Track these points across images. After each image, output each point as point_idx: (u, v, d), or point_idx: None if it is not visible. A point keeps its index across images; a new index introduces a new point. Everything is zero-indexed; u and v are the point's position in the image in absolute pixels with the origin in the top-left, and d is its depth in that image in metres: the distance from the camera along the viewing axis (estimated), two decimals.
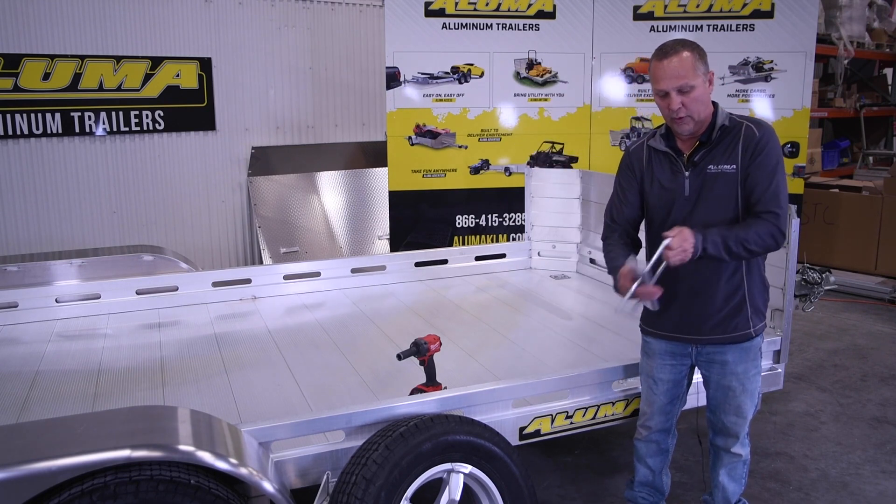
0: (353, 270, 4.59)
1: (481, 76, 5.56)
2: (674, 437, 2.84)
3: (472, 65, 5.54)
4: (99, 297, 4.01)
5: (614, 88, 5.68)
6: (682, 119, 2.45)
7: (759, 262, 2.57)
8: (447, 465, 2.31)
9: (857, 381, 4.54)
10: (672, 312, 2.60)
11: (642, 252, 2.73)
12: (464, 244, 5.68)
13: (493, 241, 5.73)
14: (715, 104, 2.53)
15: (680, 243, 2.34)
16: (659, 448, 2.80)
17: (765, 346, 3.17)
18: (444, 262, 4.83)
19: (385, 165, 5.71)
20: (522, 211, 5.13)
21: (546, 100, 5.67)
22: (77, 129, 5.75)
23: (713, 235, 2.39)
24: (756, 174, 2.44)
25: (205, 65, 6.11)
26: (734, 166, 2.46)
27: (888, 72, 10.17)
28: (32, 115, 5.58)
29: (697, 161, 2.51)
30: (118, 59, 5.78)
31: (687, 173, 2.52)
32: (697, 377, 2.76)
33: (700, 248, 2.36)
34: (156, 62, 5.92)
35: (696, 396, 2.88)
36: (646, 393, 2.76)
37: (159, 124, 6.02)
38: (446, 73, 5.51)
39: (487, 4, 5.47)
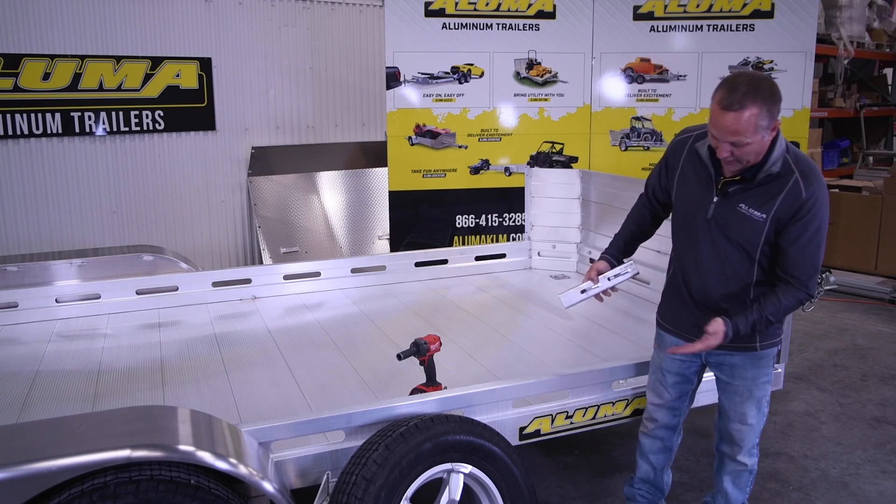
0: (353, 270, 4.59)
1: (481, 76, 5.57)
2: (679, 436, 2.82)
3: (472, 65, 5.54)
4: (99, 297, 4.02)
5: (614, 88, 5.68)
6: (729, 163, 2.34)
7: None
8: (447, 465, 2.31)
9: (857, 381, 4.54)
10: (683, 315, 2.60)
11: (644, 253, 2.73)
12: (464, 244, 5.68)
13: (493, 241, 5.72)
14: (776, 140, 2.32)
15: (711, 343, 2.40)
16: (663, 445, 2.79)
17: None
18: (444, 262, 4.83)
19: (385, 165, 5.70)
20: (522, 211, 5.14)
21: (546, 100, 5.67)
22: (77, 129, 5.75)
23: (743, 324, 2.38)
24: (793, 237, 2.33)
25: (205, 65, 6.11)
26: (765, 216, 2.33)
27: (888, 72, 10.17)
28: (32, 115, 5.58)
29: (731, 193, 2.39)
30: (118, 59, 5.78)
31: (715, 199, 2.43)
32: (709, 375, 2.74)
33: (731, 335, 2.39)
34: (156, 62, 5.92)
35: (702, 395, 2.88)
36: (654, 385, 2.75)
37: (159, 124, 6.02)
38: (446, 73, 5.51)
39: (487, 4, 5.47)
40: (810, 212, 2.32)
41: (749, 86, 2.20)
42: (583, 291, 2.73)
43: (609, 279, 2.72)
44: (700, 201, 2.47)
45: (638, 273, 2.73)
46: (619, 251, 2.82)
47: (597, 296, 2.75)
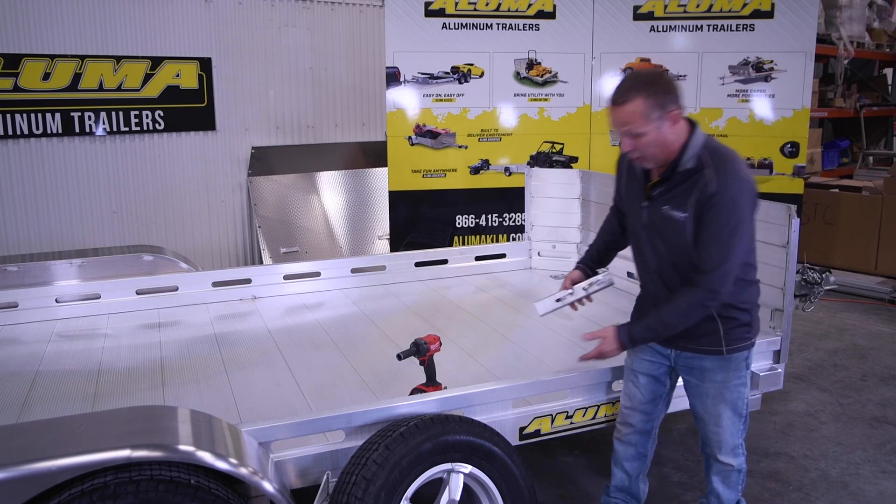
0: (353, 270, 4.59)
1: (481, 76, 5.57)
2: (653, 443, 2.81)
3: (472, 65, 5.54)
4: (99, 297, 4.02)
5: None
6: (638, 159, 2.42)
7: (734, 287, 2.42)
8: (447, 465, 2.31)
9: (857, 381, 4.54)
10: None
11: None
12: (464, 244, 5.68)
13: (493, 241, 5.73)
14: (692, 131, 2.36)
15: (604, 348, 2.51)
16: (637, 452, 2.78)
17: (765, 346, 3.18)
18: (444, 262, 4.83)
19: (385, 165, 5.71)
20: (522, 211, 5.14)
21: (546, 100, 5.67)
22: (77, 129, 5.75)
23: (639, 328, 2.47)
24: (702, 231, 2.32)
25: (205, 65, 6.11)
26: (685, 216, 2.34)
27: (888, 72, 10.17)
28: (32, 115, 5.58)
29: (655, 196, 2.45)
30: (118, 59, 5.78)
31: (644, 204, 2.49)
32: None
33: (628, 341, 2.48)
34: (156, 62, 5.92)
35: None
36: (627, 388, 2.75)
37: (159, 124, 6.02)
38: (446, 73, 5.51)
39: (487, 4, 5.47)
40: (718, 204, 2.28)
41: (633, 80, 2.35)
42: (557, 300, 2.79)
43: (584, 289, 2.76)
44: (637, 209, 2.54)
45: (613, 283, 2.77)
46: (594, 261, 2.90)
47: (571, 305, 2.80)
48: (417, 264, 4.75)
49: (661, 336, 2.48)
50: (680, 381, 2.76)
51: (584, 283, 2.77)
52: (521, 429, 2.74)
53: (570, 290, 2.78)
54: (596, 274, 2.84)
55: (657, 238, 2.48)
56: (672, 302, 2.41)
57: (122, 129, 5.89)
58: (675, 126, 2.33)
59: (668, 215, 2.40)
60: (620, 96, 2.32)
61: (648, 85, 2.30)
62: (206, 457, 1.95)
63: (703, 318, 2.45)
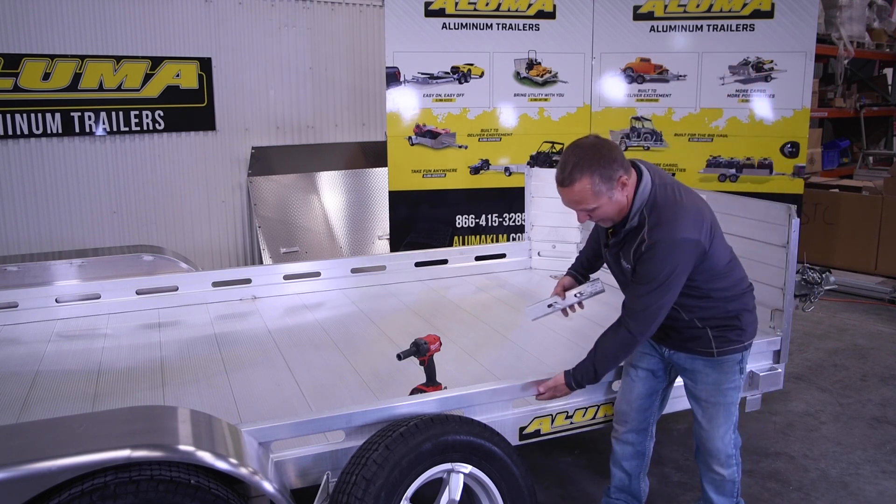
0: (353, 270, 4.59)
1: (481, 76, 5.57)
2: (651, 440, 2.83)
3: (472, 65, 5.54)
4: (99, 297, 4.02)
5: (614, 88, 5.68)
6: (596, 222, 2.53)
7: (713, 304, 2.49)
8: (447, 465, 2.31)
9: (857, 381, 4.54)
10: None
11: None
12: (464, 244, 5.68)
13: (493, 241, 5.73)
14: (640, 182, 2.39)
15: (557, 394, 2.62)
16: (635, 451, 2.80)
17: (765, 346, 3.19)
18: (444, 262, 4.83)
19: (385, 165, 5.71)
20: (522, 211, 5.14)
21: (546, 100, 5.67)
22: (77, 129, 5.75)
23: (580, 373, 2.55)
24: (634, 277, 2.44)
25: (205, 65, 6.11)
26: (629, 266, 2.46)
27: (888, 72, 10.17)
28: (32, 115, 5.58)
29: (611, 245, 2.55)
30: (118, 59, 5.78)
31: (605, 249, 2.61)
32: (679, 382, 2.79)
33: (573, 384, 2.58)
34: (156, 62, 5.92)
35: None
36: (625, 381, 2.78)
37: (159, 124, 6.02)
38: (446, 73, 5.51)
39: (487, 4, 5.47)
40: (648, 260, 2.36)
41: (575, 158, 2.34)
42: (549, 306, 2.84)
43: (575, 295, 2.82)
44: (604, 249, 2.65)
45: (603, 290, 2.80)
46: (584, 267, 2.96)
47: (563, 310, 2.85)
48: (417, 264, 4.75)
49: (602, 374, 2.57)
50: (679, 382, 2.78)
51: (576, 290, 2.82)
52: (521, 429, 2.74)
53: (561, 297, 2.83)
54: (588, 280, 2.89)
55: (620, 279, 2.60)
56: (601, 342, 2.52)
57: (122, 129, 5.89)
58: (625, 189, 2.38)
59: (619, 262, 2.51)
60: (566, 177, 2.34)
61: (592, 160, 2.32)
62: (206, 457, 1.95)
63: (689, 325, 2.52)
